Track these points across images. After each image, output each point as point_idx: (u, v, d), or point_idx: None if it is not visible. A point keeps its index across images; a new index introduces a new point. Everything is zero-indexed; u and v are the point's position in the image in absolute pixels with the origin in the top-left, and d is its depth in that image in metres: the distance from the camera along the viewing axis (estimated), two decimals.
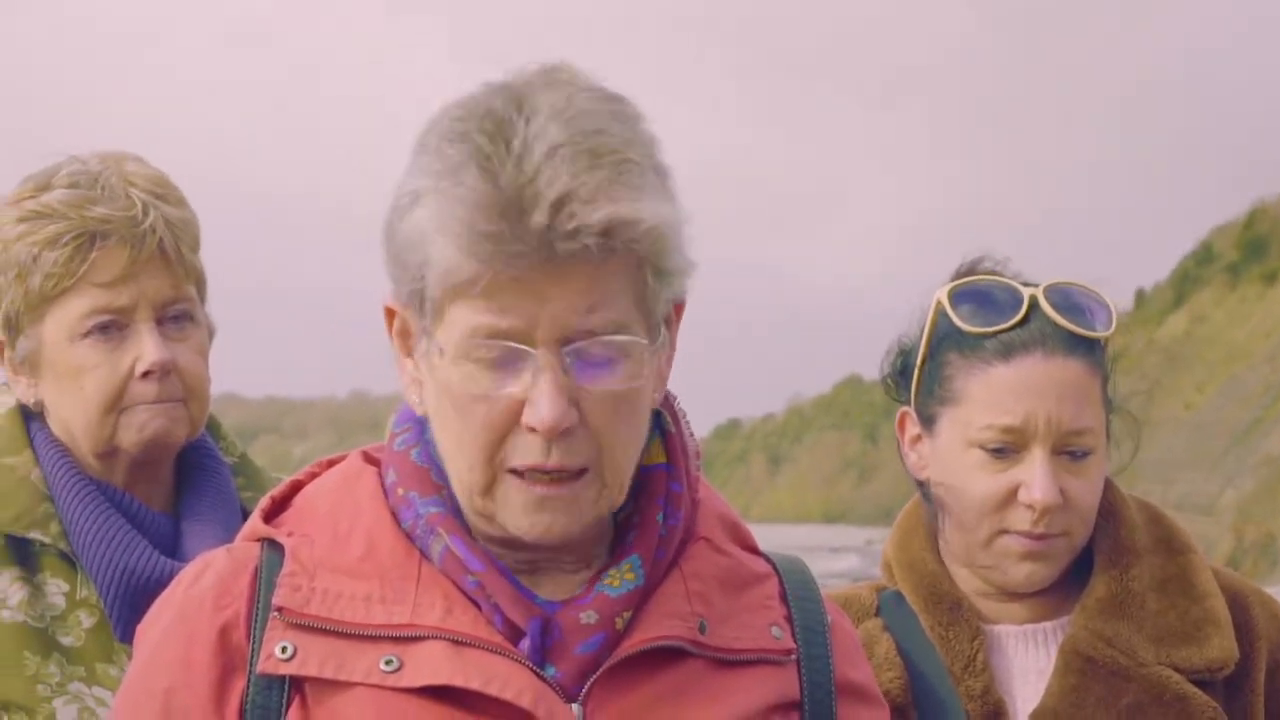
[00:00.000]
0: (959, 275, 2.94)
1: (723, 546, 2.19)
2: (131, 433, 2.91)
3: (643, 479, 2.12)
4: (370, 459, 2.20)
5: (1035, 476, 2.79)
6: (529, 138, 1.91)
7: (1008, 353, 2.82)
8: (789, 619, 2.19)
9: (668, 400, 2.18)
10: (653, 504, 2.12)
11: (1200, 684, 2.81)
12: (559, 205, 1.89)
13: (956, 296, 2.90)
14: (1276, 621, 2.93)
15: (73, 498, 2.91)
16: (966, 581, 2.94)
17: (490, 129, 1.93)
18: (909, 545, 3.00)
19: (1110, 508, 2.94)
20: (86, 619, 2.87)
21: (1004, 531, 2.83)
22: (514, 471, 2.00)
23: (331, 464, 2.23)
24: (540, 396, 1.95)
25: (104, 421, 2.90)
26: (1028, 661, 2.90)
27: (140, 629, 2.16)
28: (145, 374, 2.89)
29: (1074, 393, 2.81)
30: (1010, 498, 2.81)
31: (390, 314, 2.08)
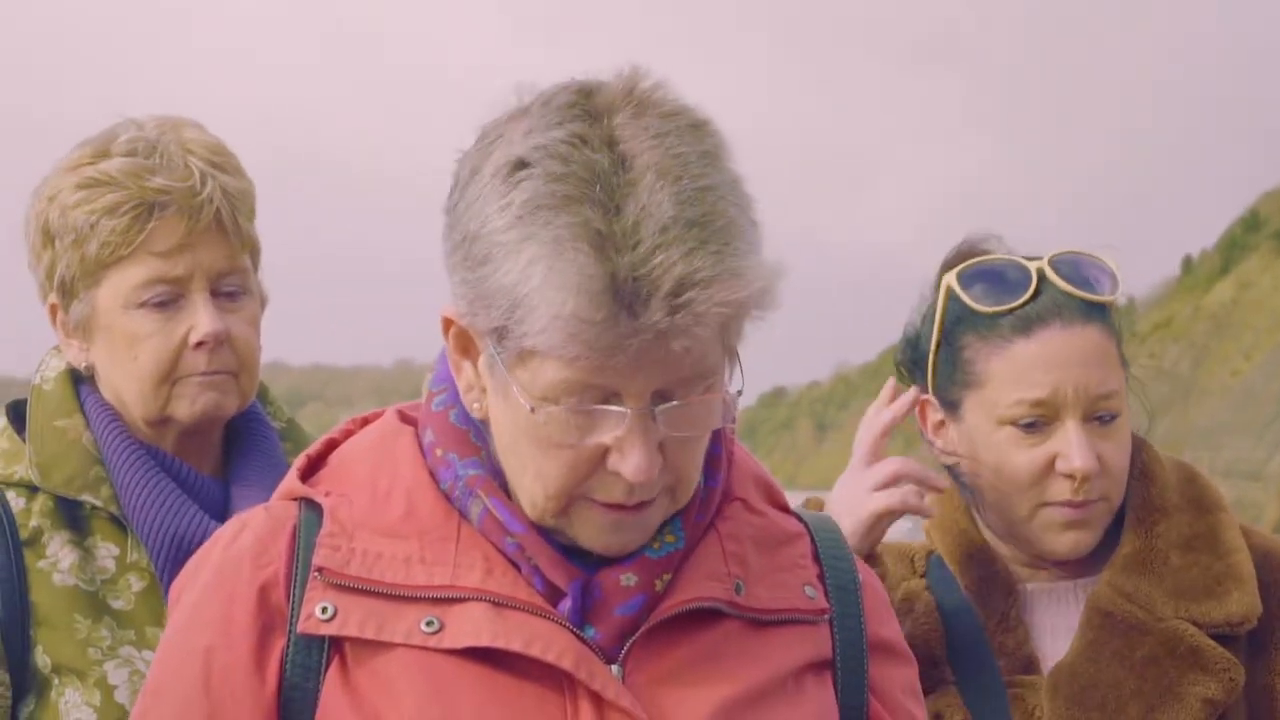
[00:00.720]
0: (958, 258, 2.96)
1: (756, 506, 2.22)
2: (184, 405, 2.93)
3: None
4: (406, 418, 2.21)
5: (1072, 446, 2.82)
6: (638, 210, 1.90)
7: (1027, 327, 2.85)
8: (821, 578, 2.22)
9: None
10: None
11: (1222, 639, 2.84)
12: (674, 296, 1.89)
13: (965, 278, 2.93)
14: None
15: (123, 461, 2.93)
16: (1001, 548, 3.00)
17: (597, 197, 1.91)
18: (949, 511, 3.04)
19: (1143, 467, 2.98)
20: (137, 582, 2.89)
21: (1045, 504, 2.88)
22: (591, 499, 2.01)
23: (365, 422, 2.25)
24: (632, 453, 1.97)
25: (157, 392, 2.92)
26: (1058, 618, 2.95)
27: (176, 587, 2.18)
28: (199, 345, 2.90)
29: (1096, 358, 2.85)
30: (1048, 470, 2.84)
31: (448, 323, 2.07)
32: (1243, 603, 2.86)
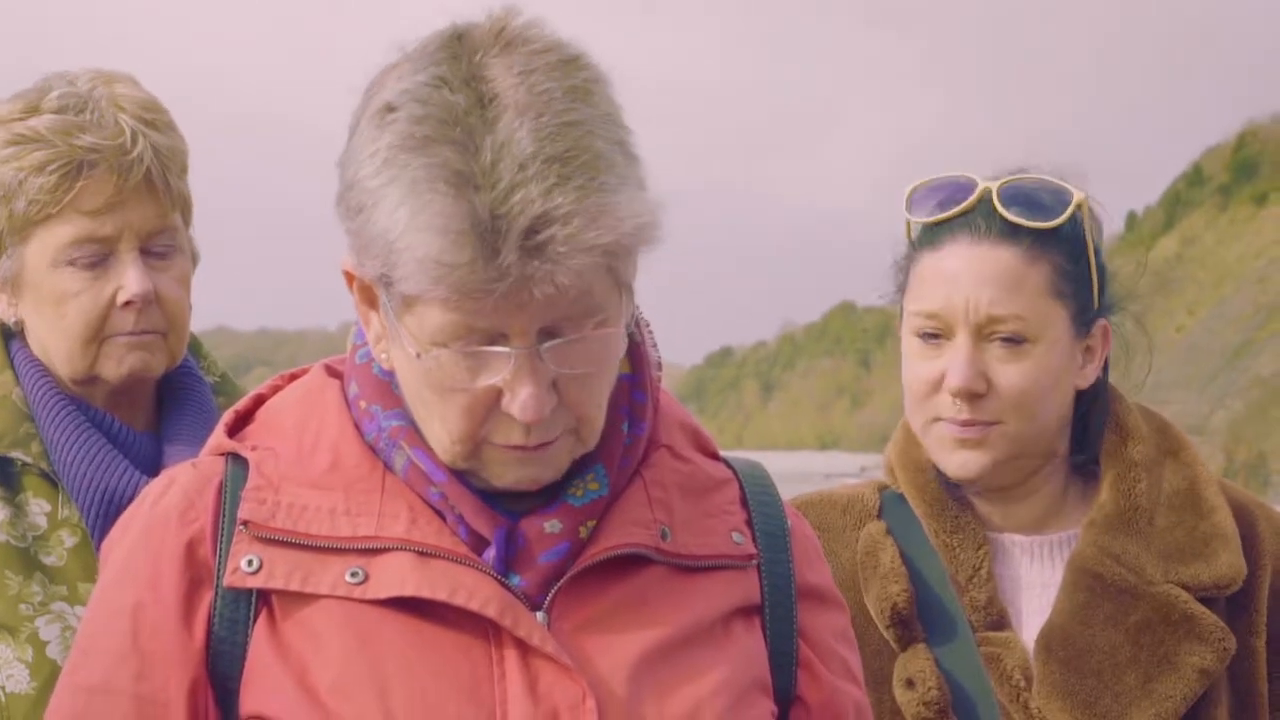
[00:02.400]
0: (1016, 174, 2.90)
1: (683, 453, 2.19)
2: (111, 364, 2.90)
3: None
4: (333, 372, 2.19)
5: (953, 362, 2.79)
6: (496, 148, 1.87)
7: (937, 240, 2.83)
8: (749, 524, 2.19)
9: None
10: (616, 414, 2.11)
11: (1206, 600, 2.80)
12: (532, 233, 1.86)
13: (917, 191, 2.91)
14: None
15: (54, 417, 2.90)
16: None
17: (455, 137, 1.88)
18: (912, 448, 2.96)
19: (1116, 419, 2.92)
20: (69, 538, 2.87)
21: (936, 419, 2.84)
22: (494, 443, 2.01)
23: (294, 377, 2.23)
24: (522, 392, 1.94)
25: (85, 351, 2.89)
26: (1033, 573, 2.89)
27: (106, 544, 2.15)
28: (126, 304, 2.88)
29: (998, 279, 2.78)
30: (938, 384, 2.81)
31: (350, 277, 2.05)
32: (1231, 565, 2.81)
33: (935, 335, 2.81)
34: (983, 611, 2.84)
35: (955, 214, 2.83)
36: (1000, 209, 2.81)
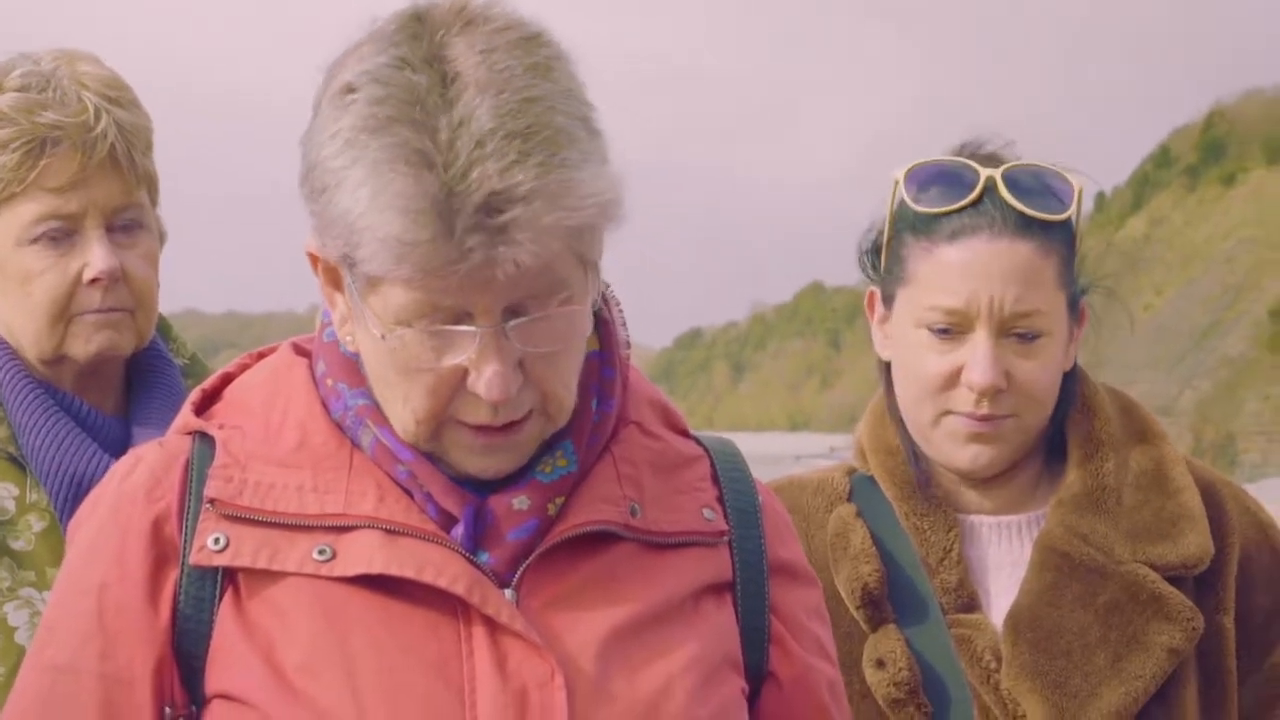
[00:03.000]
0: (952, 154, 2.91)
1: (653, 430, 2.19)
2: (79, 343, 2.89)
3: None
4: (300, 350, 2.18)
5: (976, 358, 2.77)
6: (454, 125, 1.87)
7: (955, 234, 2.79)
8: (720, 500, 2.19)
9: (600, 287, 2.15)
10: (586, 391, 2.10)
11: (1174, 580, 2.80)
12: (493, 211, 1.86)
13: (912, 176, 2.87)
14: (1249, 515, 2.92)
15: (21, 401, 2.89)
16: (934, 465, 2.93)
17: (415, 117, 1.88)
18: (882, 430, 2.97)
19: (1084, 399, 2.92)
20: (37, 523, 2.85)
21: (948, 412, 2.82)
22: (460, 421, 2.00)
23: (261, 356, 2.22)
24: (487, 371, 1.94)
25: (52, 330, 2.88)
26: (1002, 554, 2.90)
27: (73, 524, 2.15)
28: (93, 281, 2.87)
29: (1021, 275, 2.78)
30: (954, 379, 2.80)
31: (314, 259, 2.05)
32: (1198, 544, 2.81)
33: (949, 330, 2.80)
34: (953, 593, 2.85)
35: (965, 205, 2.80)
36: (1013, 200, 2.79)
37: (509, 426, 2.00)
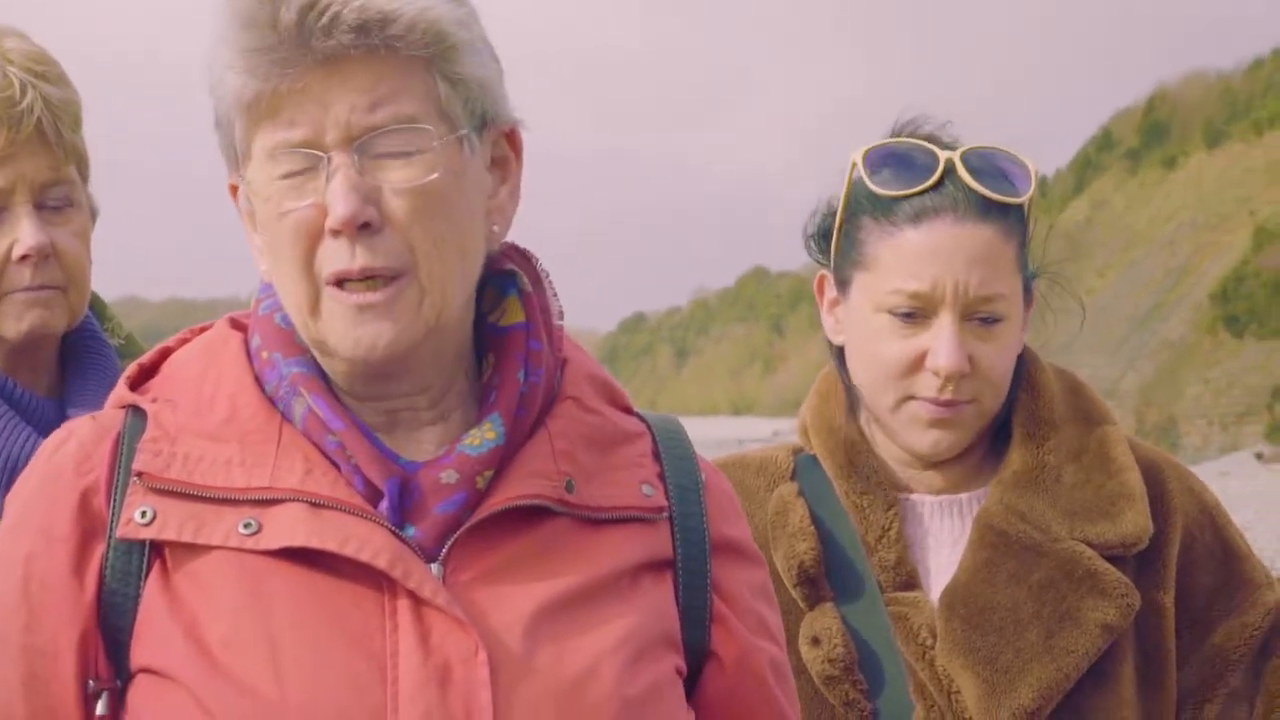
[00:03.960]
0: (893, 135, 2.90)
1: (591, 404, 2.17)
2: (9, 322, 2.86)
3: (502, 339, 2.12)
4: (237, 325, 2.17)
5: (941, 343, 2.77)
6: None
7: (918, 217, 2.78)
8: (661, 477, 2.17)
9: (528, 260, 2.17)
10: (512, 362, 2.10)
11: (1113, 559, 2.81)
12: (309, 4, 1.93)
13: (871, 158, 2.86)
14: (1192, 495, 2.92)
15: None
16: (884, 447, 2.93)
17: None
18: (826, 410, 2.98)
19: (1029, 379, 2.93)
20: None
21: (911, 397, 2.82)
22: (333, 286, 2.00)
23: (203, 330, 2.21)
24: (333, 195, 1.96)
25: None
26: (942, 532, 2.90)
27: (9, 498, 2.13)
28: (23, 258, 2.85)
29: (984, 259, 2.77)
30: (917, 364, 2.79)
31: (233, 190, 2.09)
32: (1136, 523, 2.81)
33: (912, 314, 2.79)
34: (892, 571, 2.85)
35: (927, 187, 2.79)
36: (973, 183, 2.78)
37: (377, 286, 1.99)
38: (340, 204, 1.95)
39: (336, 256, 1.98)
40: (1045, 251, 2.94)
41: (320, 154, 1.96)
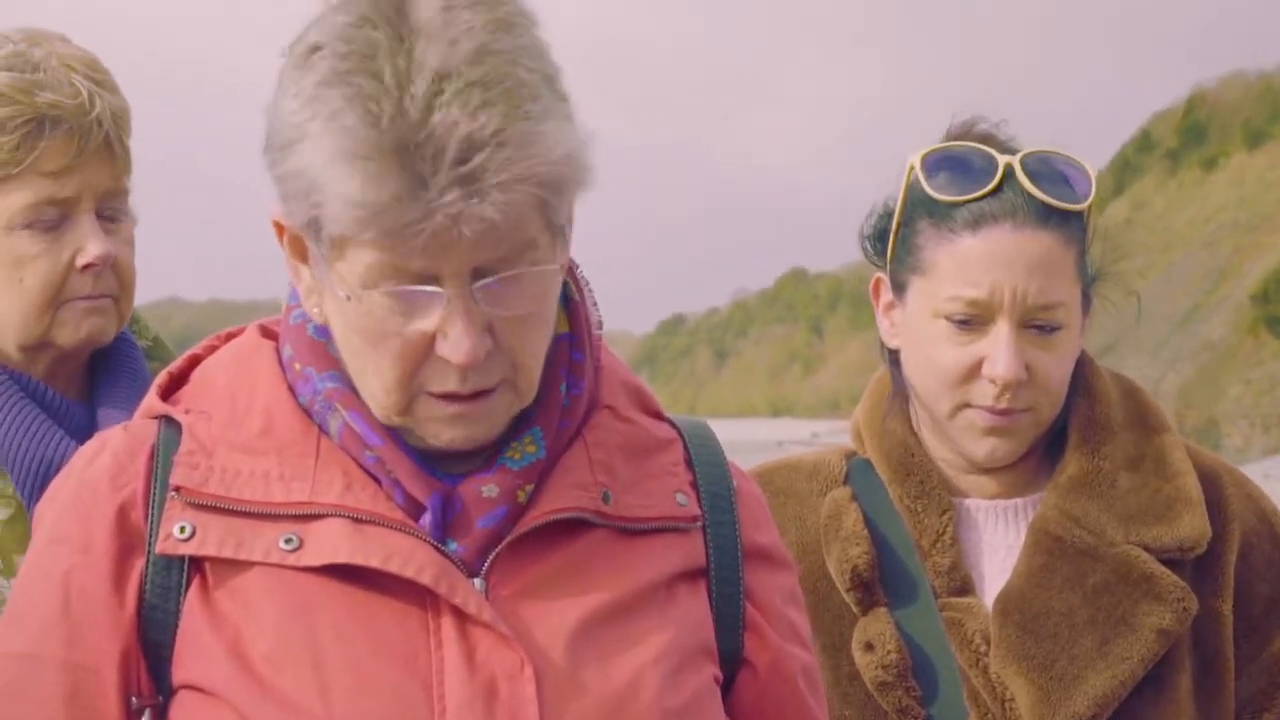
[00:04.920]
0: (948, 137, 2.87)
1: (625, 413, 2.16)
2: (66, 331, 2.87)
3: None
4: (267, 333, 2.15)
5: (999, 351, 2.74)
6: (412, 72, 1.85)
7: (977, 223, 2.75)
8: (694, 485, 2.17)
9: (570, 268, 2.13)
10: (555, 375, 2.08)
11: (1170, 563, 2.78)
12: (458, 162, 1.83)
13: (930, 162, 2.83)
14: (1250, 502, 2.89)
15: None
16: (938, 452, 2.91)
17: (374, 68, 1.86)
18: (880, 413, 2.96)
19: (1086, 383, 2.90)
20: (2, 510, 2.82)
21: (967, 405, 2.80)
22: (434, 396, 1.98)
23: (230, 337, 2.19)
24: (455, 333, 1.91)
25: (40, 317, 2.86)
26: (997, 538, 2.88)
27: (39, 509, 2.12)
28: (86, 267, 2.86)
29: (1043, 266, 2.74)
30: (974, 371, 2.77)
31: (280, 228, 2.02)
32: (1194, 527, 2.79)
33: (969, 321, 2.77)
34: (946, 576, 2.83)
35: (986, 193, 2.76)
36: (1033, 189, 2.75)
37: (478, 395, 1.97)
38: (465, 347, 1.92)
39: (446, 380, 1.95)
40: (1096, 257, 2.92)
41: (439, 291, 1.90)
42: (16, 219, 2.82)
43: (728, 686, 2.16)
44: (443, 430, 1.99)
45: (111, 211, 2.88)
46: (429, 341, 1.93)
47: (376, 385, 1.98)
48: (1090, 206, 2.81)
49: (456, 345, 1.91)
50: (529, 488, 2.05)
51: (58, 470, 2.69)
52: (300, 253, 2.01)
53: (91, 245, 2.83)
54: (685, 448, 2.20)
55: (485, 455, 2.05)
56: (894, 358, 2.93)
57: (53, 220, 2.82)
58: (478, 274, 1.91)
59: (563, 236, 1.98)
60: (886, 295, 2.91)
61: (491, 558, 2.01)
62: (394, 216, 1.85)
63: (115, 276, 2.88)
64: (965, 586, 2.84)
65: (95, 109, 2.81)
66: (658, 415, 2.22)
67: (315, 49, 1.90)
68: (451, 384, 1.95)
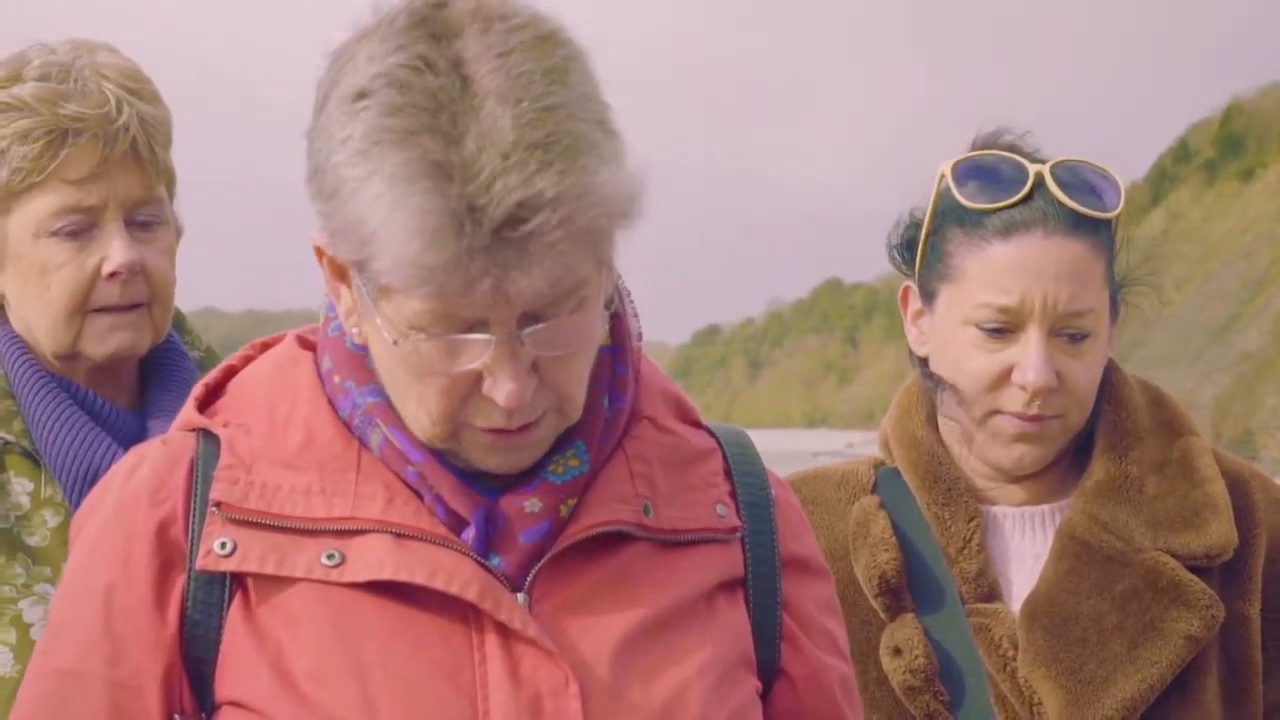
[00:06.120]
0: (974, 147, 2.89)
1: (665, 424, 2.16)
2: (94, 343, 2.87)
3: None
4: (305, 343, 2.14)
5: (1029, 358, 2.75)
6: (480, 137, 1.83)
7: (1007, 231, 2.77)
8: (733, 495, 2.16)
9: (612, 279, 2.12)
10: (597, 388, 2.07)
11: (1197, 570, 2.78)
12: (516, 222, 1.83)
13: (960, 171, 2.85)
14: (1277, 507, 2.90)
15: (35, 395, 2.86)
16: (965, 460, 2.92)
17: (433, 126, 1.84)
18: (908, 422, 2.97)
19: (1113, 390, 2.90)
20: (51, 518, 2.84)
21: (997, 412, 2.81)
22: (474, 425, 1.97)
23: (266, 347, 2.18)
24: (501, 377, 1.91)
25: (69, 325, 2.86)
26: (1024, 544, 2.89)
27: (76, 521, 2.12)
28: (112, 275, 2.86)
29: (1073, 274, 2.76)
30: (1004, 378, 2.78)
31: (320, 251, 2.00)
32: (1221, 534, 2.80)
33: (1000, 328, 2.78)
34: (973, 583, 2.84)
35: (1017, 200, 2.78)
36: (1064, 197, 2.78)
37: (524, 429, 1.97)
38: (512, 391, 1.92)
39: (492, 416, 1.95)
40: (1121, 263, 2.92)
41: (486, 338, 1.90)
42: (43, 227, 2.83)
43: (764, 698, 2.15)
44: (488, 457, 1.99)
45: (145, 220, 2.89)
46: (475, 379, 1.93)
47: (421, 415, 1.97)
48: (1119, 215, 2.82)
49: (505, 392, 1.91)
50: (571, 502, 2.04)
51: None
52: (341, 275, 1.99)
53: (116, 253, 2.83)
54: (724, 457, 2.19)
55: (528, 469, 2.04)
56: (923, 366, 2.94)
57: (79, 228, 2.83)
58: (525, 319, 1.90)
59: (609, 268, 1.99)
60: (915, 303, 2.93)
61: (534, 572, 2.01)
62: (449, 277, 1.84)
63: (148, 284, 2.88)
64: (992, 593, 2.85)
65: (121, 117, 2.82)
66: (697, 424, 2.21)
67: (362, 95, 1.88)
68: (497, 421, 1.95)
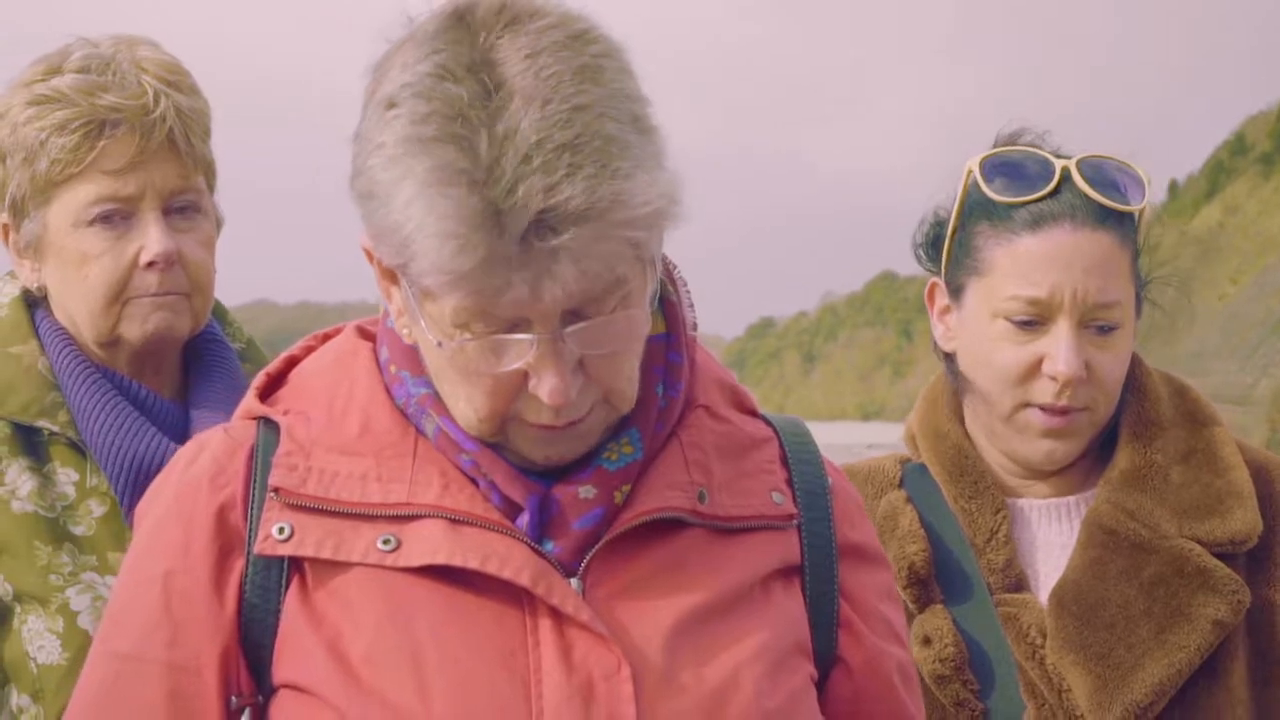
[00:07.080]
0: (996, 146, 2.92)
1: (720, 412, 2.16)
2: (134, 325, 2.90)
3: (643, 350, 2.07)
4: (365, 334, 2.16)
5: (1059, 349, 2.78)
6: (499, 140, 1.83)
7: (1036, 224, 2.80)
8: (789, 482, 2.17)
9: (667, 268, 2.14)
10: (651, 375, 2.08)
11: (1223, 557, 2.81)
12: (544, 228, 1.82)
13: (987, 166, 2.88)
14: None
15: (80, 386, 2.89)
16: (991, 454, 2.95)
17: (458, 133, 1.84)
18: (934, 417, 3.00)
19: (1136, 382, 2.93)
20: (97, 508, 2.86)
21: (1026, 404, 2.83)
22: (523, 420, 1.98)
23: (327, 338, 2.21)
24: (546, 376, 1.92)
25: (107, 312, 2.89)
26: (1051, 535, 2.92)
27: (139, 510, 2.14)
28: (149, 264, 2.88)
29: (1102, 266, 2.79)
30: (1034, 370, 2.81)
31: (369, 253, 2.01)
32: (1245, 520, 2.82)
33: (1030, 320, 2.80)
34: (1001, 574, 2.87)
35: (1045, 194, 2.81)
36: (1090, 191, 2.80)
37: (571, 424, 1.98)
38: (557, 389, 1.93)
39: (540, 413, 1.96)
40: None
41: (529, 337, 1.91)
42: (81, 216, 2.86)
43: (821, 685, 2.16)
44: (536, 450, 2.01)
45: (183, 210, 2.91)
46: (521, 378, 1.94)
47: (469, 412, 1.99)
48: (1143, 210, 2.86)
49: (550, 390, 1.92)
50: (626, 488, 2.05)
51: (152, 468, 2.74)
52: (390, 277, 2.00)
53: (153, 242, 2.86)
54: (780, 445, 2.20)
55: (582, 455, 2.05)
56: (950, 361, 2.96)
57: (117, 217, 2.86)
58: (568, 317, 1.91)
59: (653, 265, 1.98)
60: (942, 299, 2.95)
61: (588, 558, 2.02)
62: (483, 280, 1.85)
63: (186, 274, 2.90)
64: (1020, 583, 2.87)
65: (159, 108, 2.85)
66: (752, 413, 2.22)
67: (391, 104, 1.89)
68: (545, 418, 1.96)
